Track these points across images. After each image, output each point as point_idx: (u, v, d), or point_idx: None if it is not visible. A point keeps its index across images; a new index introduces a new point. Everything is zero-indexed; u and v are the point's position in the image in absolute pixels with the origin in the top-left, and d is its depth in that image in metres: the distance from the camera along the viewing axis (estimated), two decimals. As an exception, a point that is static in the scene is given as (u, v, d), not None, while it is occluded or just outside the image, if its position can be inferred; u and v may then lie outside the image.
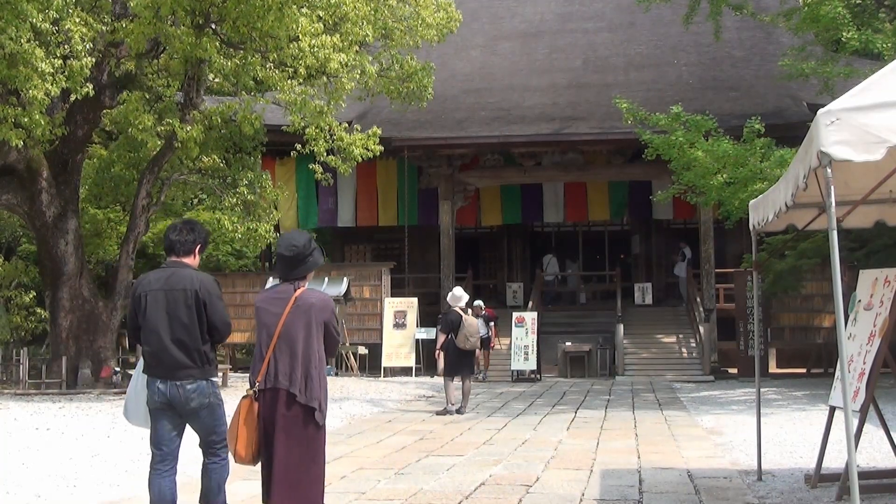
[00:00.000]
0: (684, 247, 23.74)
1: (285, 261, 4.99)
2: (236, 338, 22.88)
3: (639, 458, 8.83)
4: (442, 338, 13.17)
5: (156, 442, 5.28)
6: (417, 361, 20.58)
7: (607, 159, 22.03)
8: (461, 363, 13.09)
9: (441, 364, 13.29)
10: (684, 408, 13.57)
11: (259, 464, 4.93)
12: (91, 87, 14.17)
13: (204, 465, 5.40)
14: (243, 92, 16.93)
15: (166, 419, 5.26)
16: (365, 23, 15.64)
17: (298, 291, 4.95)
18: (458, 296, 13.41)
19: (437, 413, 13.03)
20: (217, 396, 5.36)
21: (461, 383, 13.23)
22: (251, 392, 4.90)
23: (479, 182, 23.18)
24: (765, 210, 6.56)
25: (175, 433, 5.31)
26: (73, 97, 14.35)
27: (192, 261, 5.44)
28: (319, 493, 4.90)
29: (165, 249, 5.46)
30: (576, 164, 22.12)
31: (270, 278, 21.92)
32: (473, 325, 13.13)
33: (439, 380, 16.53)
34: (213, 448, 5.35)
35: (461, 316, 12.99)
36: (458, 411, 12.94)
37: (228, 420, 5.06)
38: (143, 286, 5.35)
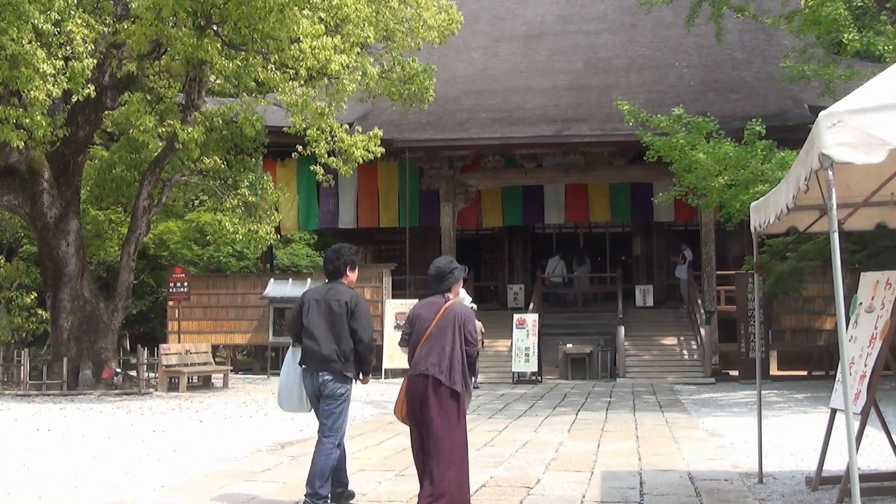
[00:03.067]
0: (685, 248, 23.73)
1: (432, 279, 6.35)
2: (236, 339, 22.87)
3: (640, 459, 8.82)
4: None
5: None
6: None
7: (608, 161, 22.02)
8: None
9: None
10: (685, 410, 13.57)
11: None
12: (92, 88, 14.18)
13: (317, 442, 6.42)
14: (244, 93, 16.94)
15: (316, 408, 6.46)
16: (366, 24, 15.65)
17: (448, 303, 6.21)
18: (459, 297, 13.40)
19: None
20: (345, 394, 6.43)
21: None
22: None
23: (481, 183, 23.18)
24: (766, 212, 6.56)
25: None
26: (74, 98, 14.36)
27: (347, 279, 6.67)
28: (464, 452, 6.10)
29: (325, 274, 6.72)
30: (577, 166, 22.12)
31: (272, 280, 21.94)
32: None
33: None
34: (324, 433, 6.39)
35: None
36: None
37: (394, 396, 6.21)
38: (308, 295, 6.62)
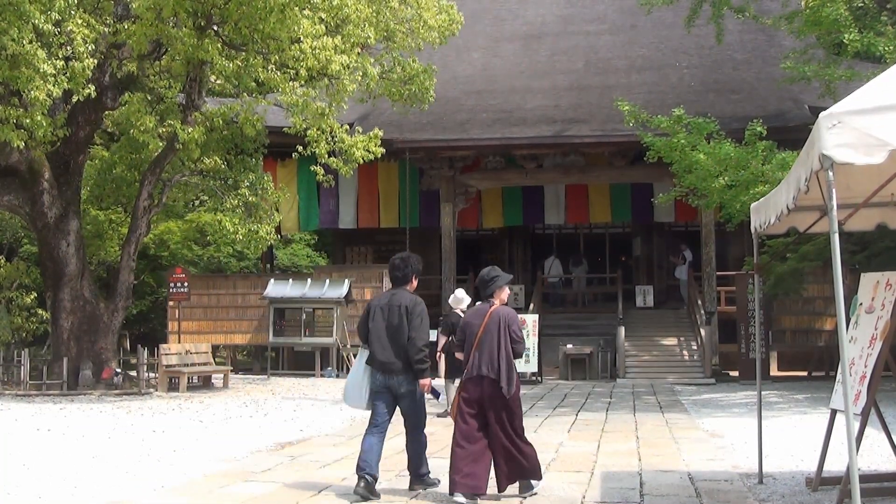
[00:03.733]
0: (685, 249, 23.72)
1: (479, 286, 7.11)
2: (237, 339, 22.88)
3: (640, 460, 8.82)
4: (443, 340, 13.12)
5: (373, 414, 7.11)
6: (418, 363, 20.56)
7: (609, 161, 22.01)
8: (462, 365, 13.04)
9: (442, 366, 13.25)
10: (685, 410, 13.56)
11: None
12: (93, 88, 14.18)
13: (407, 439, 7.21)
14: (245, 93, 16.94)
15: (382, 399, 7.07)
16: (366, 25, 15.64)
17: (493, 308, 6.89)
18: (459, 298, 13.38)
19: (438, 415, 13.00)
20: (414, 391, 7.05)
21: (452, 385, 13.14)
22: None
23: (481, 184, 23.17)
24: (766, 213, 6.56)
25: (386, 410, 7.10)
26: (74, 98, 14.37)
27: (410, 286, 7.30)
28: (522, 435, 6.84)
29: (392, 280, 7.32)
30: (577, 167, 22.11)
31: (272, 280, 21.94)
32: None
33: (439, 381, 16.51)
34: (409, 426, 7.15)
35: (461, 318, 12.95)
36: (440, 415, 12.88)
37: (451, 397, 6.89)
38: (375, 302, 7.26)
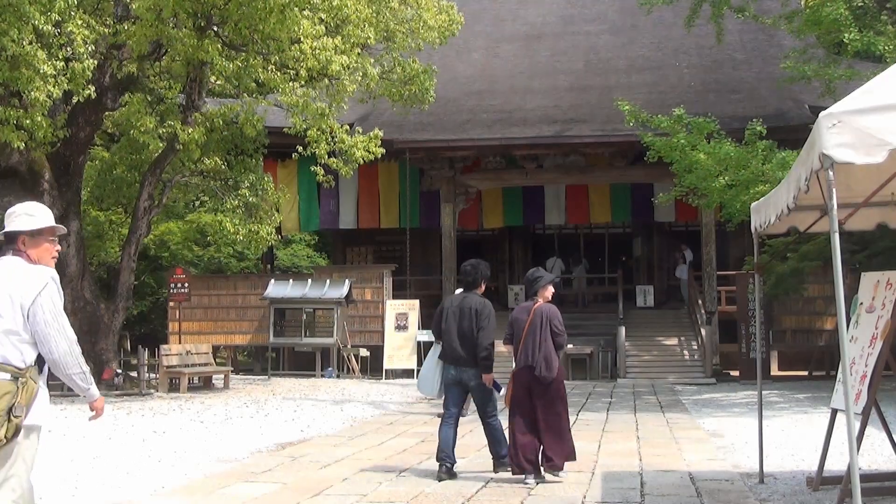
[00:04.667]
0: (685, 249, 23.72)
1: (525, 285, 8.00)
2: (237, 339, 22.88)
3: (640, 460, 8.82)
4: None
5: (446, 405, 8.01)
6: (419, 363, 20.57)
7: (609, 162, 22.02)
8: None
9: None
10: (686, 410, 13.56)
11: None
12: (93, 89, 14.18)
13: (483, 425, 8.00)
14: (245, 94, 16.94)
15: (453, 391, 7.95)
16: (367, 25, 15.65)
17: (536, 305, 7.68)
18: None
19: (440, 415, 12.98)
20: (484, 383, 7.78)
21: None
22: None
23: (481, 184, 23.17)
24: (766, 212, 6.56)
25: (458, 400, 8.00)
26: (75, 99, 14.37)
27: (479, 290, 8.06)
28: (567, 426, 7.64)
29: (463, 285, 8.24)
30: (577, 167, 22.11)
31: (272, 280, 21.95)
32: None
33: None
34: (484, 414, 7.92)
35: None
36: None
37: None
38: (447, 304, 8.11)
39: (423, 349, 20.49)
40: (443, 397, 8.13)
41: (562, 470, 7.54)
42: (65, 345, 4.18)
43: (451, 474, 7.76)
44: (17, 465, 4.05)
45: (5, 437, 3.92)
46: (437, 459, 7.84)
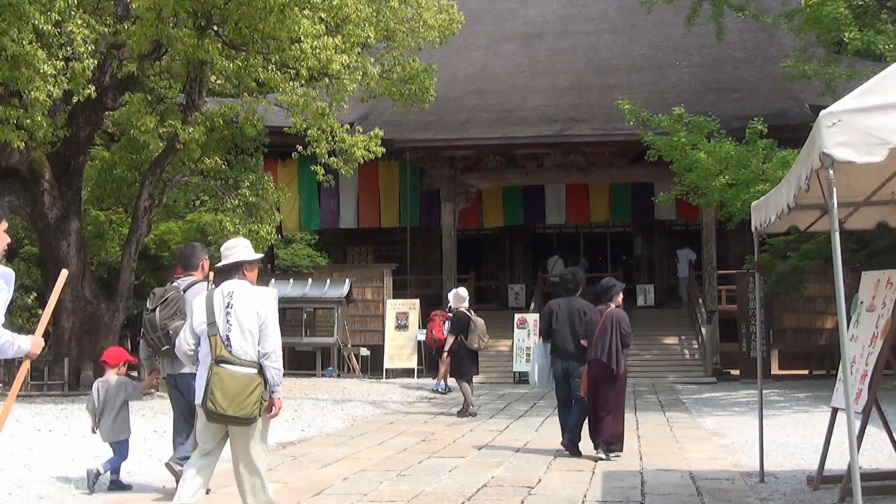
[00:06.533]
0: (686, 248, 23.72)
1: (600, 292, 9.16)
2: (238, 339, 22.83)
3: (641, 459, 8.83)
4: (451, 339, 13.03)
5: (559, 396, 9.45)
6: (419, 363, 20.57)
7: (609, 161, 22.01)
8: (473, 364, 13.08)
9: (444, 367, 13.22)
10: (686, 409, 13.56)
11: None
12: (93, 88, 14.17)
13: (575, 404, 9.11)
14: (245, 93, 16.93)
15: (563, 383, 9.32)
16: (367, 24, 15.64)
17: (608, 309, 8.91)
18: (462, 296, 13.39)
19: (458, 414, 12.92)
20: (582, 372, 8.94)
21: (466, 384, 13.12)
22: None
23: (481, 184, 23.17)
24: (767, 211, 6.56)
25: (568, 390, 9.25)
26: (75, 99, 14.35)
27: (579, 293, 9.50)
28: (622, 415, 8.97)
29: (565, 291, 9.58)
30: (578, 166, 22.09)
31: (273, 280, 21.92)
32: (482, 325, 13.10)
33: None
34: (575, 400, 9.08)
35: (469, 316, 12.96)
36: (460, 413, 12.89)
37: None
38: (554, 307, 9.43)
39: (423, 349, 20.50)
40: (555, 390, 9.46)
41: (620, 452, 8.77)
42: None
43: (577, 452, 9.01)
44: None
45: (258, 415, 5.36)
46: (564, 436, 9.22)
